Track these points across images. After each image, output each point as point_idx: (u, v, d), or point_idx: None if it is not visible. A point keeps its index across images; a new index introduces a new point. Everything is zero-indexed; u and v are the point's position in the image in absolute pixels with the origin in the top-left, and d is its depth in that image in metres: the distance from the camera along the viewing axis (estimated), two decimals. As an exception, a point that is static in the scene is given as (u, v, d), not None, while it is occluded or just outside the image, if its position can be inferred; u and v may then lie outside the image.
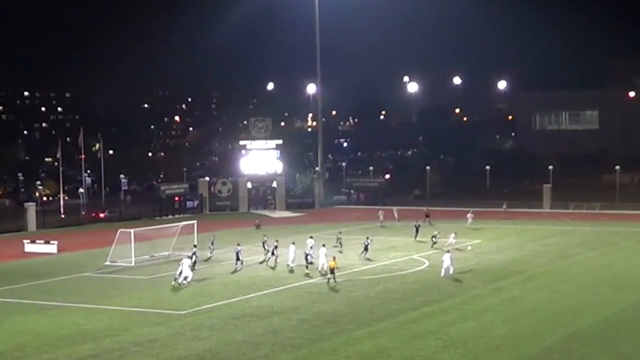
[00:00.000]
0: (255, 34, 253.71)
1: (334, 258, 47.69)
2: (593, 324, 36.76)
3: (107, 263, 55.56)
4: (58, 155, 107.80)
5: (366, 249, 56.54)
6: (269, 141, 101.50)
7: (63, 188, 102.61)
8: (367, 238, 57.58)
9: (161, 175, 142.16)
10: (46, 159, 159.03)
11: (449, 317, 38.04)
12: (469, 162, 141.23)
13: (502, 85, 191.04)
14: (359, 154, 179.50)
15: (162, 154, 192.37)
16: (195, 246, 55.23)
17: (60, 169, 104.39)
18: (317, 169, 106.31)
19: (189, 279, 47.01)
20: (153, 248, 58.76)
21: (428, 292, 44.09)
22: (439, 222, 74.09)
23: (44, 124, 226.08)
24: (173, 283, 46.82)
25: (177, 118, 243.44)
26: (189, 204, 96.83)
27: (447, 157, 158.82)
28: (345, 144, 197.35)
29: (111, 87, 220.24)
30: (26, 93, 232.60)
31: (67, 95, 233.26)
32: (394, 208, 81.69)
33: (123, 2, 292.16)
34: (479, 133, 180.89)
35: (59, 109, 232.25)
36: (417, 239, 64.61)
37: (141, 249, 57.31)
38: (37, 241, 65.09)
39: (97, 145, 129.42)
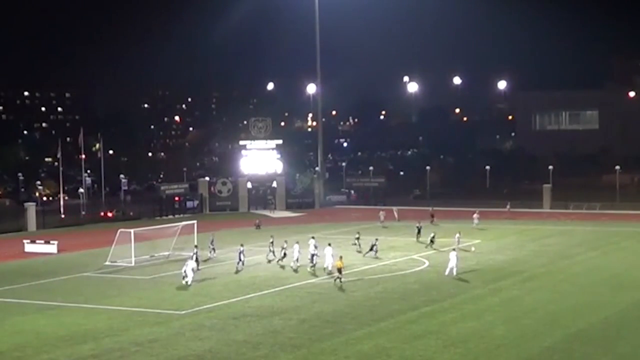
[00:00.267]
0: (255, 34, 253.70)
1: (341, 257, 47.76)
2: (593, 324, 36.76)
3: (107, 263, 55.59)
4: (58, 155, 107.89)
5: (371, 248, 56.59)
6: (269, 141, 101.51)
7: (63, 188, 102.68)
8: (376, 239, 57.77)
9: (161, 175, 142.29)
10: (46, 159, 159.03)
11: (449, 317, 38.06)
12: (469, 162, 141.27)
13: (502, 85, 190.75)
14: (359, 154, 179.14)
15: (162, 154, 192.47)
16: (196, 246, 55.22)
17: (60, 169, 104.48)
18: (317, 169, 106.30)
19: (189, 280, 47.03)
20: (153, 248, 58.85)
21: (428, 292, 44.10)
22: (442, 222, 74.18)
23: (44, 124, 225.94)
24: (183, 282, 46.95)
25: (177, 118, 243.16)
26: (189, 204, 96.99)
27: (447, 157, 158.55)
28: (345, 144, 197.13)
29: (111, 87, 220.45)
30: (26, 93, 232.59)
31: (67, 95, 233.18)
32: (394, 208, 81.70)
33: (123, 3, 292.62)
34: (479, 133, 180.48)
35: (59, 109, 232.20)
36: (419, 240, 64.48)
37: (141, 249, 57.38)
38: (37, 241, 65.13)
39: (97, 145, 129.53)
